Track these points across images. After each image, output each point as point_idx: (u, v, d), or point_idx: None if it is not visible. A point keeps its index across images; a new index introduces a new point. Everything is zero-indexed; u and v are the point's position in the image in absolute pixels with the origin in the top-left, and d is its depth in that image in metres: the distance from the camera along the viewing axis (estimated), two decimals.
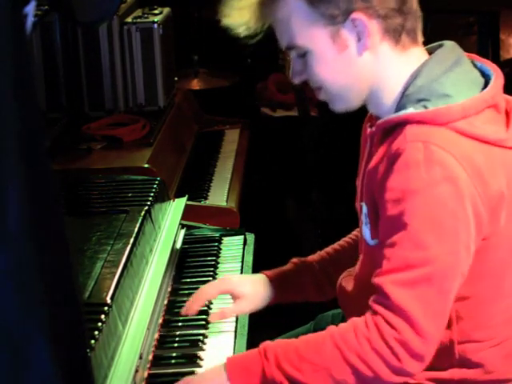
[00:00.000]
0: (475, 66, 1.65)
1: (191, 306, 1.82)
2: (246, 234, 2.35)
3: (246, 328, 1.91)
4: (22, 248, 0.85)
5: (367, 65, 1.59)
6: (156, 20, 3.02)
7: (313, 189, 3.83)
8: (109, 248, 1.86)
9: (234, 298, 1.85)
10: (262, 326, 1.96)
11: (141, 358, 1.65)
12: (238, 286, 1.85)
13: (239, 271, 2.16)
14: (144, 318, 1.74)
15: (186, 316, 1.84)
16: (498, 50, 4.07)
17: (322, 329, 2.03)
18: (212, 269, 2.15)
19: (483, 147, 1.53)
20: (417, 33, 1.61)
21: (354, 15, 1.55)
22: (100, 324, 1.56)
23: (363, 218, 1.62)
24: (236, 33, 1.65)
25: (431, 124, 1.51)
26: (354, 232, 1.96)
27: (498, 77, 1.61)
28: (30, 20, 0.98)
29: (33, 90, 0.90)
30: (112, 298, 1.65)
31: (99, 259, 1.81)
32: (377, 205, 1.56)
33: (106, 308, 1.61)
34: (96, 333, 1.52)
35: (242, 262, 2.21)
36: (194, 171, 3.01)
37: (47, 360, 0.87)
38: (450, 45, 1.65)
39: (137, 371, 1.60)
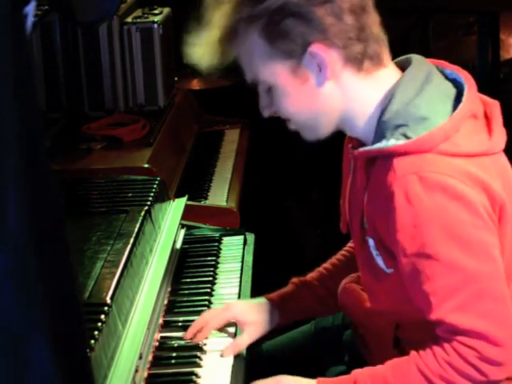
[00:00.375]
0: (445, 75, 1.64)
1: (197, 335, 1.82)
2: (246, 233, 2.35)
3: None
4: (22, 248, 0.85)
5: (331, 94, 1.60)
6: (156, 20, 3.02)
7: (313, 189, 3.83)
8: (109, 248, 1.86)
9: (240, 325, 1.86)
10: None
11: (141, 358, 1.65)
12: (242, 313, 1.86)
13: (239, 271, 2.16)
14: (144, 318, 1.74)
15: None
16: (498, 50, 4.07)
17: (323, 328, 2.03)
18: (212, 269, 2.15)
19: (472, 160, 1.54)
20: (381, 56, 1.60)
21: (312, 48, 1.55)
22: (100, 324, 1.55)
23: (372, 251, 1.62)
24: (200, 69, 1.66)
25: (416, 153, 1.51)
26: (350, 244, 1.96)
27: (470, 86, 1.61)
28: (30, 20, 0.98)
29: (33, 90, 0.90)
30: (112, 298, 1.65)
31: (99, 259, 1.81)
32: (382, 239, 1.57)
33: (105, 308, 1.61)
34: (96, 333, 1.52)
35: (242, 262, 2.21)
36: (194, 171, 3.01)
37: (47, 360, 0.87)
38: (417, 60, 1.64)
39: (137, 371, 1.60)
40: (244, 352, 1.82)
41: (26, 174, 0.86)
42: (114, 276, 1.73)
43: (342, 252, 1.97)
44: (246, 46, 1.61)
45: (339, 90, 1.60)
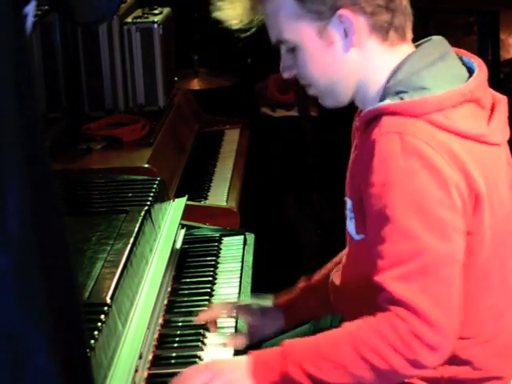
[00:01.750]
0: (463, 62, 1.65)
1: (204, 317, 1.87)
2: (246, 233, 2.35)
3: (246, 328, 1.91)
4: (23, 248, 0.85)
5: (354, 61, 1.60)
6: (156, 20, 3.02)
7: (313, 189, 3.84)
8: (109, 248, 1.86)
9: (245, 324, 1.89)
10: None
11: (141, 357, 1.65)
12: (249, 315, 1.89)
13: (239, 271, 2.15)
14: (144, 318, 1.74)
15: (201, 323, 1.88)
16: (498, 50, 4.06)
17: (321, 329, 2.04)
18: (212, 269, 2.15)
19: (460, 141, 1.53)
20: (405, 30, 1.62)
21: (341, 11, 1.56)
22: (100, 324, 1.55)
23: (348, 213, 1.62)
24: (228, 25, 1.66)
25: (406, 115, 1.52)
26: None
27: (480, 71, 1.61)
28: (30, 20, 0.98)
29: (33, 90, 0.90)
30: (112, 298, 1.65)
31: (99, 259, 1.81)
32: (362, 199, 1.56)
33: (105, 308, 1.61)
34: (96, 333, 1.52)
35: (242, 262, 2.21)
36: (194, 171, 3.01)
37: (47, 360, 0.87)
38: (436, 40, 1.65)
39: (137, 371, 1.60)
40: (244, 351, 1.82)
41: (26, 173, 0.86)
42: (114, 276, 1.73)
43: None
44: (275, 3, 1.60)
45: (362, 57, 1.60)
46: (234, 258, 2.24)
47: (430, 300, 1.46)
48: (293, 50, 1.62)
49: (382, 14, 1.57)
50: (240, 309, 1.91)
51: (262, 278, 2.20)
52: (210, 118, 3.52)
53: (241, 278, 2.13)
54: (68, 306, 0.93)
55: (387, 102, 1.54)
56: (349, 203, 1.61)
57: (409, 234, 1.47)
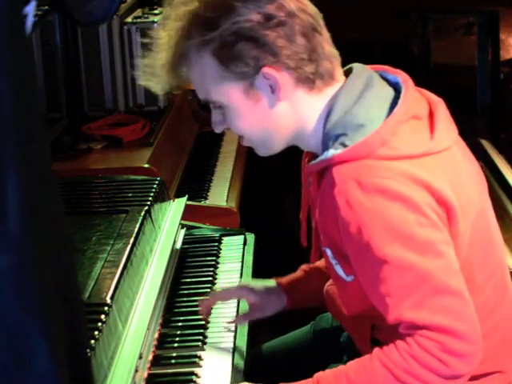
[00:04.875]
0: (386, 79, 1.64)
1: (206, 303, 1.91)
2: (246, 233, 2.35)
3: (246, 328, 1.92)
4: (22, 248, 0.85)
5: (283, 113, 1.61)
6: (156, 20, 3.02)
7: None
8: (109, 248, 1.86)
9: (249, 305, 1.91)
10: (262, 327, 1.96)
11: (141, 357, 1.65)
12: (252, 295, 1.91)
13: (239, 271, 2.16)
14: (144, 318, 1.74)
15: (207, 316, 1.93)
16: (498, 50, 4.06)
17: (322, 329, 2.04)
18: (212, 269, 2.15)
19: (414, 161, 1.52)
20: (333, 73, 1.61)
21: (265, 70, 1.56)
22: (100, 324, 1.55)
23: (331, 260, 1.62)
24: (154, 91, 1.66)
25: (354, 160, 1.51)
26: None
27: (407, 88, 1.60)
28: (30, 20, 0.98)
29: (33, 90, 0.90)
30: (112, 298, 1.65)
31: (99, 259, 1.81)
32: (338, 247, 1.57)
33: (106, 308, 1.61)
34: (96, 333, 1.52)
35: (242, 261, 2.21)
36: (194, 171, 3.01)
37: (47, 360, 0.87)
38: (357, 68, 1.64)
39: (137, 371, 1.60)
40: (244, 352, 1.82)
41: (26, 173, 0.86)
42: (114, 276, 1.73)
43: None
44: (197, 68, 1.61)
45: (291, 109, 1.60)
46: (233, 258, 2.24)
47: (448, 315, 1.48)
48: (221, 107, 1.63)
49: (305, 66, 1.57)
50: (242, 288, 1.93)
51: (262, 278, 2.19)
52: (210, 117, 3.51)
53: (241, 278, 2.13)
54: (68, 306, 0.93)
55: (332, 152, 1.54)
56: (329, 252, 1.62)
57: (404, 266, 1.48)
